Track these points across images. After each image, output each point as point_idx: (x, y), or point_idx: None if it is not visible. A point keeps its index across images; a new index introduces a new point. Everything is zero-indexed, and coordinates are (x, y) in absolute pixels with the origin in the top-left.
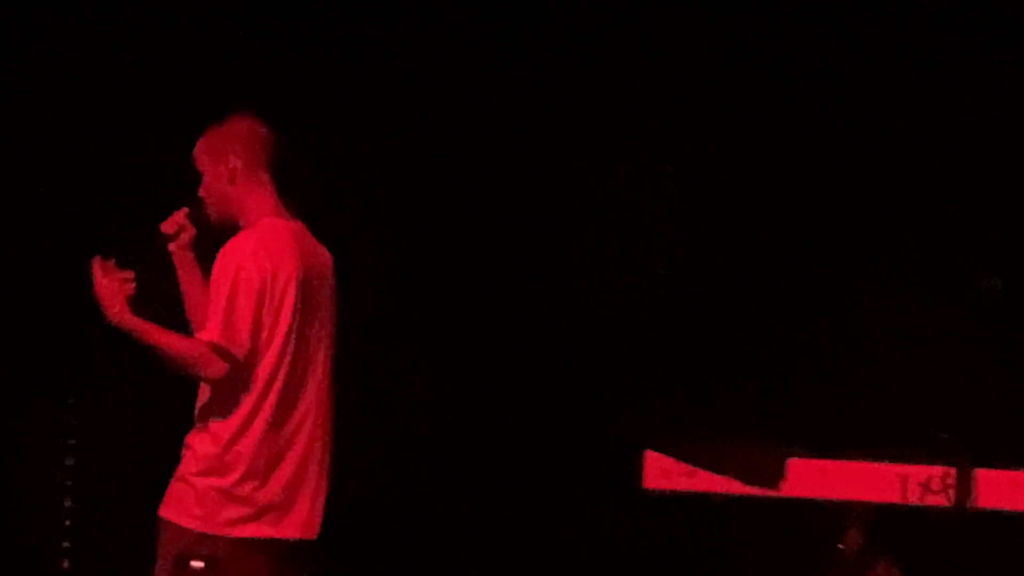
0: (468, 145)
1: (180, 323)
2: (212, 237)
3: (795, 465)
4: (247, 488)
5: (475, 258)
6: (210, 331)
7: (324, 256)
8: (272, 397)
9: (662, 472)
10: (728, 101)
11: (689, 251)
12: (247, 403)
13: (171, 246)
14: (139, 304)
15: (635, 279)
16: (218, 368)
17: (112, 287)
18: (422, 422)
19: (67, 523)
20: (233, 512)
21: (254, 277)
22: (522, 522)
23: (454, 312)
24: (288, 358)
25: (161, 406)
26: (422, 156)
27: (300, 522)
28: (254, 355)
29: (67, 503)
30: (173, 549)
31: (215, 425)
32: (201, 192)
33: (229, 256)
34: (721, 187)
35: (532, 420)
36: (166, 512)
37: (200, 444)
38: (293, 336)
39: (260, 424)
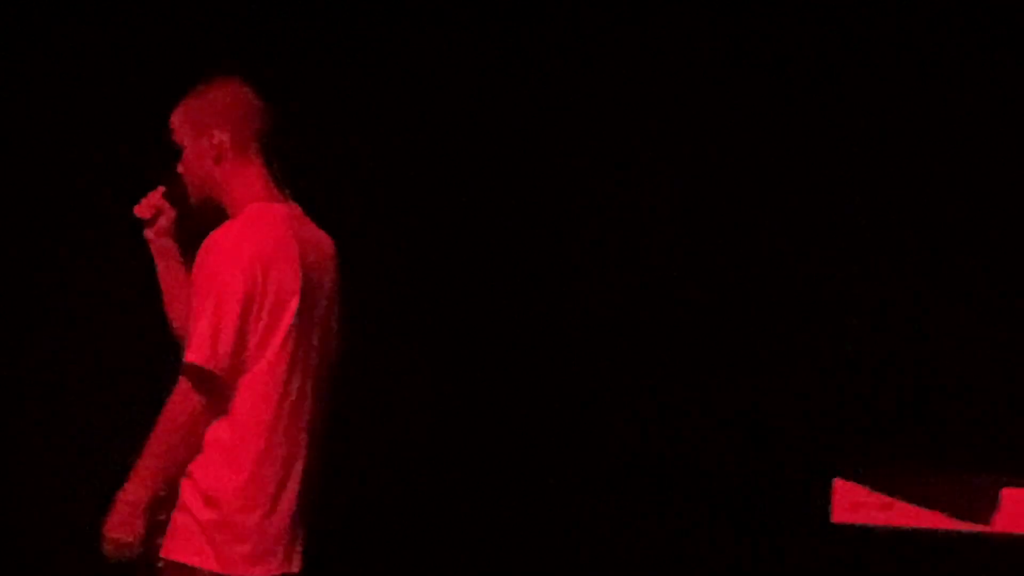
0: (483, 136)
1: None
2: (194, 222)
3: (1010, 496)
4: (255, 518)
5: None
6: (195, 350)
7: (325, 243)
8: (270, 415)
9: (853, 504)
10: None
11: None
12: (245, 423)
13: (147, 232)
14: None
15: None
16: (200, 398)
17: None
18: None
19: None
20: (246, 548)
21: (238, 280)
22: (700, 557)
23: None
24: (285, 369)
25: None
26: (429, 140)
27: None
28: (240, 371)
29: None
30: None
31: (212, 450)
32: (180, 169)
33: (212, 253)
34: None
35: (710, 445)
36: (177, 554)
37: (200, 472)
38: (291, 343)
39: (260, 444)
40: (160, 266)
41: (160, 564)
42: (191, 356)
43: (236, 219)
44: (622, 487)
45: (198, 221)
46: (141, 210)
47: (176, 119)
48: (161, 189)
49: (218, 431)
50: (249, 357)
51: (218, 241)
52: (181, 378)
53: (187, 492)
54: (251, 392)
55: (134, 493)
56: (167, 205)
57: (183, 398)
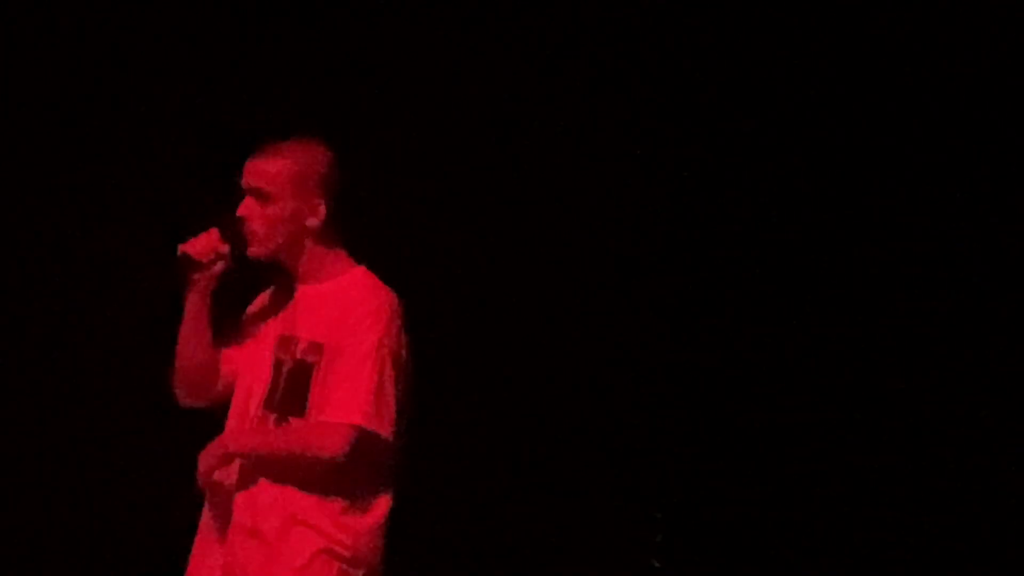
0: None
1: None
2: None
3: None
4: (378, 559)
5: None
6: (357, 412)
7: None
8: (393, 486)
9: None
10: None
11: None
12: (379, 491)
13: (195, 276)
14: None
15: None
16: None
17: None
18: None
19: None
20: None
21: (399, 350)
22: None
23: None
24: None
25: None
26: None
27: None
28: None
29: None
30: None
31: (343, 507)
32: (253, 222)
33: (369, 305)
34: None
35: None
36: None
37: (323, 522)
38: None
39: (383, 514)
40: (195, 305)
41: None
42: (355, 418)
43: (379, 284)
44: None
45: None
46: (198, 252)
47: (271, 169)
48: (216, 231)
49: (352, 492)
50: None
51: (381, 301)
52: (345, 430)
53: (329, 531)
54: (388, 467)
55: (236, 447)
56: (226, 252)
57: (334, 451)
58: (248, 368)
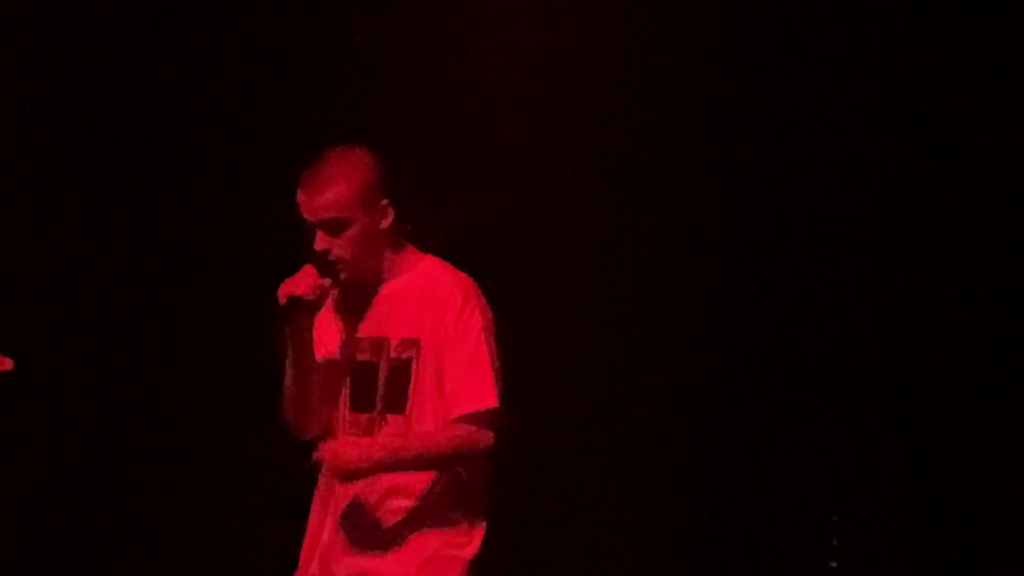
0: None
1: None
2: None
3: None
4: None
5: None
6: (491, 396)
7: None
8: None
9: None
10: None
11: None
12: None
13: (303, 315)
14: None
15: None
16: (491, 437)
17: None
18: None
19: None
20: None
21: (492, 327)
22: None
23: None
24: None
25: None
26: None
27: None
28: None
29: None
30: None
31: (474, 489)
32: (336, 251)
33: (452, 292)
34: None
35: None
36: None
37: (467, 512)
38: None
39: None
40: (300, 341)
41: None
42: (492, 401)
43: (452, 269)
44: None
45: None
46: (305, 292)
47: (335, 198)
48: (311, 267)
49: (484, 470)
50: None
51: (464, 286)
52: (486, 416)
53: (434, 535)
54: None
55: (382, 455)
56: (329, 284)
57: (488, 439)
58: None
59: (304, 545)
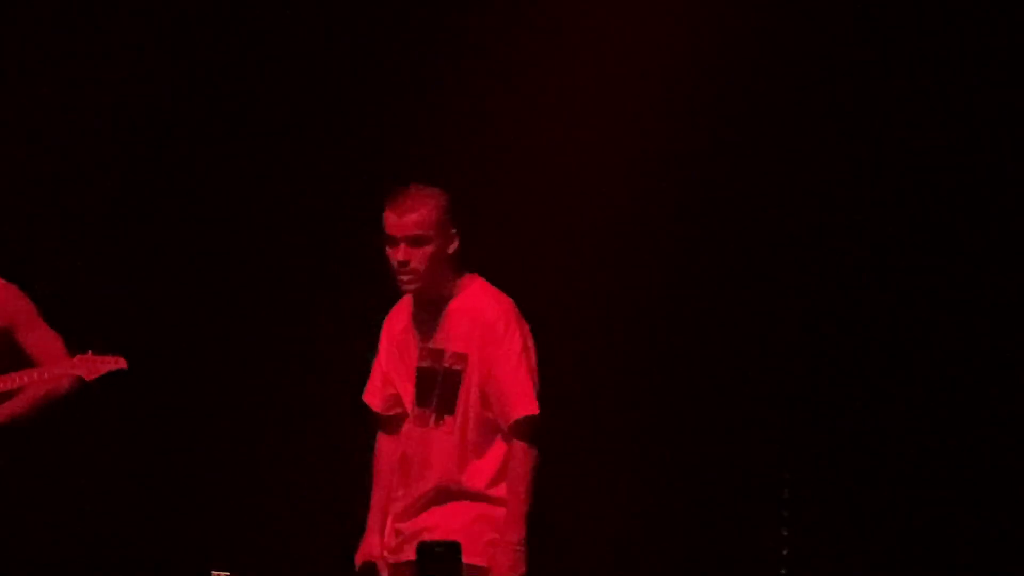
0: None
1: None
2: None
3: None
4: None
5: None
6: (532, 403)
7: None
8: None
9: None
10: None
11: None
12: None
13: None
14: None
15: None
16: (533, 448)
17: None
18: None
19: None
20: None
21: (530, 343)
22: None
23: None
24: None
25: None
26: None
27: None
28: None
29: None
30: None
31: (499, 487)
32: (414, 263)
33: (497, 316)
34: None
35: None
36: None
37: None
38: None
39: None
40: None
41: None
42: (533, 409)
43: (497, 293)
44: None
45: None
46: (377, 555)
47: (420, 218)
48: (373, 539)
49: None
50: None
51: (505, 309)
52: (527, 433)
53: (488, 526)
54: None
55: (517, 534)
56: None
57: (533, 451)
58: (406, 376)
59: (372, 508)
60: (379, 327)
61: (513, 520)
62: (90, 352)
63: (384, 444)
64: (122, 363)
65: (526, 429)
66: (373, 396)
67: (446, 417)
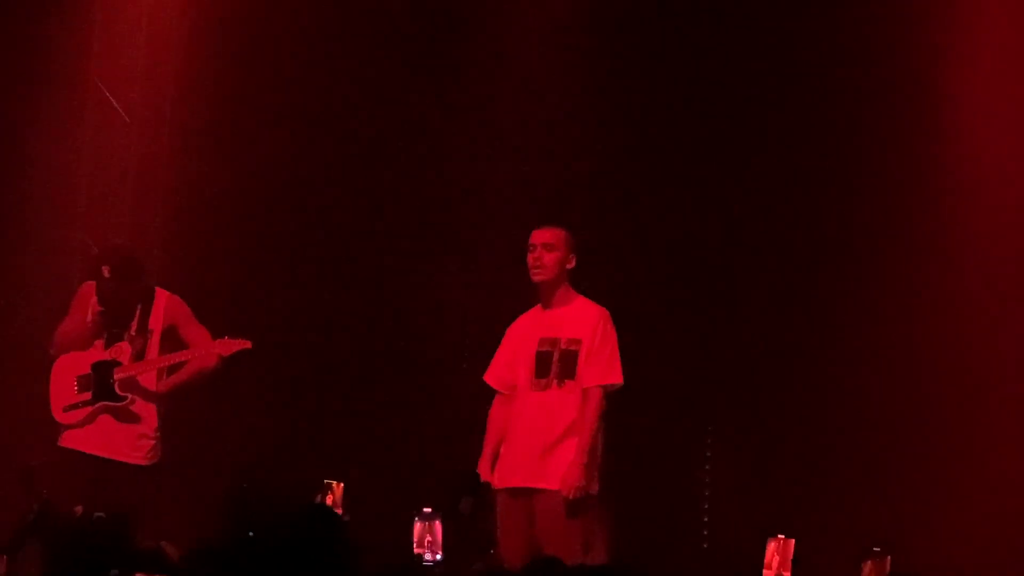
0: None
1: None
2: None
3: None
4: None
5: None
6: (618, 376)
7: None
8: None
9: None
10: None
11: None
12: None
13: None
14: None
15: None
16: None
17: None
18: None
19: None
20: None
21: (616, 340)
22: None
23: None
24: None
25: None
26: None
27: None
28: None
29: None
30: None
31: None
32: (544, 259)
33: (606, 320)
34: None
35: None
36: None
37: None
38: None
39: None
40: None
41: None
42: (617, 378)
43: (593, 305)
44: None
45: None
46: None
47: (553, 235)
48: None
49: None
50: None
51: (604, 312)
52: (601, 392)
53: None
54: None
55: (586, 456)
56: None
57: (602, 407)
58: (523, 363)
59: (485, 446)
60: (500, 333)
61: (583, 453)
62: (226, 337)
63: (496, 408)
64: (247, 344)
65: (608, 391)
66: (492, 376)
67: (567, 381)
